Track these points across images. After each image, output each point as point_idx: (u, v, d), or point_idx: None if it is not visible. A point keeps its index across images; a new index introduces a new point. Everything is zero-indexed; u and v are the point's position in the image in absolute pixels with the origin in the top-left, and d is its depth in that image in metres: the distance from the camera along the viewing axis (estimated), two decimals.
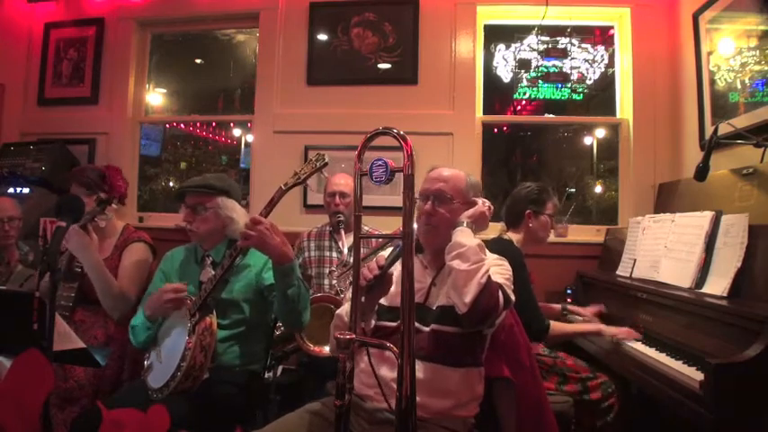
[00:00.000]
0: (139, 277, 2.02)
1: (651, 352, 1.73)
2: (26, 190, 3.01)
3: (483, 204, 1.38)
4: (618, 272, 2.36)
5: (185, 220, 1.77)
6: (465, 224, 1.32)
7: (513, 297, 1.31)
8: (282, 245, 1.50)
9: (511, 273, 1.39)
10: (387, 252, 1.26)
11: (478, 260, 1.23)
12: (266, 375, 1.91)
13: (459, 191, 1.39)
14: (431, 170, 1.46)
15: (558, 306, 2.36)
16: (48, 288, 1.10)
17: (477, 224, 1.35)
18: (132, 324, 1.71)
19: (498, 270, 1.35)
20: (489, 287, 1.21)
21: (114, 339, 1.93)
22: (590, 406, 1.91)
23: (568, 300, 2.60)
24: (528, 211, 2.08)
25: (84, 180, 2.10)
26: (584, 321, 2.21)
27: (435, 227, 1.37)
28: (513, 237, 2.09)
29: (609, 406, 1.92)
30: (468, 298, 1.19)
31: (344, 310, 1.36)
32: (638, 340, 1.87)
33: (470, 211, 1.35)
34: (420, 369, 1.24)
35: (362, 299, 1.23)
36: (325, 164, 1.58)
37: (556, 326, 1.95)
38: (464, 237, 1.28)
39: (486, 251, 1.44)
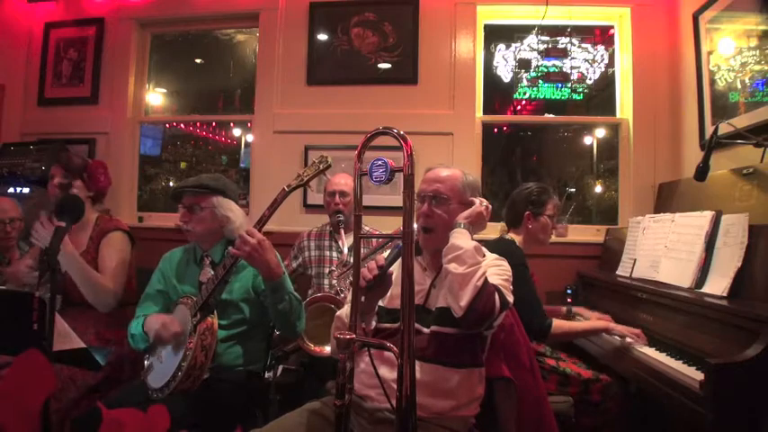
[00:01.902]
0: (122, 267, 1.97)
1: (651, 352, 1.73)
2: (26, 190, 3.01)
3: (480, 204, 1.37)
4: (618, 272, 2.36)
5: (182, 220, 1.77)
6: (462, 225, 1.31)
7: (510, 299, 1.30)
8: (271, 262, 1.53)
9: (510, 273, 1.38)
10: (386, 253, 1.26)
11: (475, 263, 1.23)
12: (266, 375, 1.91)
13: (456, 191, 1.39)
14: (428, 170, 1.46)
15: (563, 309, 2.35)
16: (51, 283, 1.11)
17: (475, 225, 1.34)
18: (131, 332, 1.72)
19: (496, 271, 1.35)
20: (486, 290, 1.21)
21: (107, 341, 1.90)
22: (590, 407, 1.90)
23: (568, 300, 2.59)
24: (527, 212, 2.08)
25: (66, 162, 2.04)
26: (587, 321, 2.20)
27: (433, 229, 1.37)
28: (516, 237, 2.09)
29: (609, 408, 1.91)
30: (464, 301, 1.19)
31: (345, 311, 1.37)
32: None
33: (467, 212, 1.34)
34: (420, 370, 1.24)
35: (362, 299, 1.23)
36: (329, 166, 1.58)
37: (559, 324, 1.93)
38: (461, 239, 1.27)
39: (486, 251, 1.44)
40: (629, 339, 1.87)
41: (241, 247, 1.50)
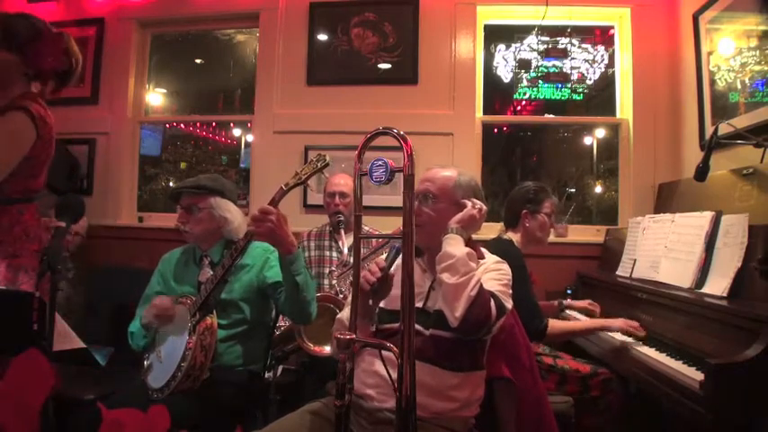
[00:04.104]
0: (15, 147, 1.58)
1: (651, 352, 1.73)
2: None
3: (473, 207, 1.35)
4: (618, 272, 2.36)
5: (180, 221, 1.77)
6: (455, 231, 1.29)
7: (509, 305, 1.29)
8: (289, 235, 1.54)
9: (510, 277, 1.38)
10: (385, 255, 1.26)
11: (468, 271, 1.21)
12: (266, 375, 1.91)
13: (446, 191, 1.38)
14: (427, 170, 1.46)
15: (554, 303, 2.37)
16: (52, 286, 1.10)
17: (467, 228, 1.33)
18: (131, 330, 1.72)
19: (494, 276, 1.34)
20: (480, 299, 1.19)
21: (19, 267, 1.52)
22: (590, 403, 1.91)
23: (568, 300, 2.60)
24: (524, 210, 2.08)
25: (8, 22, 1.59)
26: (583, 320, 2.22)
27: (421, 226, 1.36)
28: (513, 237, 2.09)
29: (609, 403, 1.92)
30: (459, 312, 1.18)
31: (345, 314, 1.36)
32: (639, 339, 1.85)
33: (459, 216, 1.33)
34: (420, 371, 1.23)
35: (370, 302, 1.23)
36: (327, 164, 1.58)
37: (556, 324, 1.93)
38: (453, 246, 1.26)
39: (487, 253, 1.44)
40: (628, 338, 1.86)
41: (260, 225, 1.48)
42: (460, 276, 1.20)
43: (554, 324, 1.92)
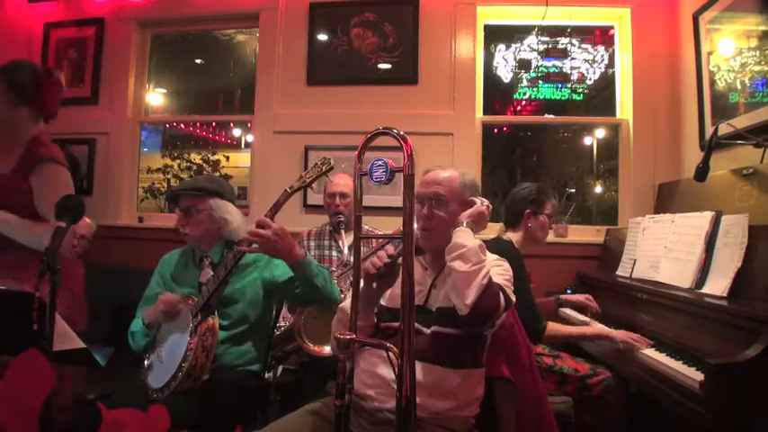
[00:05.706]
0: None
1: (651, 352, 1.73)
2: None
3: (482, 204, 1.37)
4: (618, 272, 2.36)
5: (179, 223, 1.77)
6: (465, 224, 1.31)
7: (513, 298, 1.31)
8: (292, 246, 1.53)
9: (511, 273, 1.39)
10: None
11: (479, 261, 1.23)
12: (266, 375, 1.90)
13: (455, 192, 1.39)
14: (425, 172, 1.46)
15: (551, 299, 2.37)
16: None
17: (477, 224, 1.34)
18: (132, 330, 1.72)
19: (498, 271, 1.35)
20: (490, 289, 1.21)
21: (25, 279, 1.53)
22: (590, 403, 1.91)
23: None
24: (527, 211, 2.08)
25: (12, 77, 1.69)
26: (582, 324, 2.21)
27: (432, 230, 1.37)
28: (513, 237, 2.09)
29: (608, 402, 1.92)
30: (470, 299, 1.18)
31: (348, 303, 1.36)
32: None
33: (469, 212, 1.34)
34: (420, 371, 1.24)
35: (373, 285, 1.25)
36: (331, 168, 1.59)
37: (554, 327, 1.93)
38: (464, 237, 1.27)
39: (486, 252, 1.44)
40: (630, 344, 1.84)
41: (257, 240, 1.49)
42: (472, 265, 1.21)
43: (553, 327, 1.92)
